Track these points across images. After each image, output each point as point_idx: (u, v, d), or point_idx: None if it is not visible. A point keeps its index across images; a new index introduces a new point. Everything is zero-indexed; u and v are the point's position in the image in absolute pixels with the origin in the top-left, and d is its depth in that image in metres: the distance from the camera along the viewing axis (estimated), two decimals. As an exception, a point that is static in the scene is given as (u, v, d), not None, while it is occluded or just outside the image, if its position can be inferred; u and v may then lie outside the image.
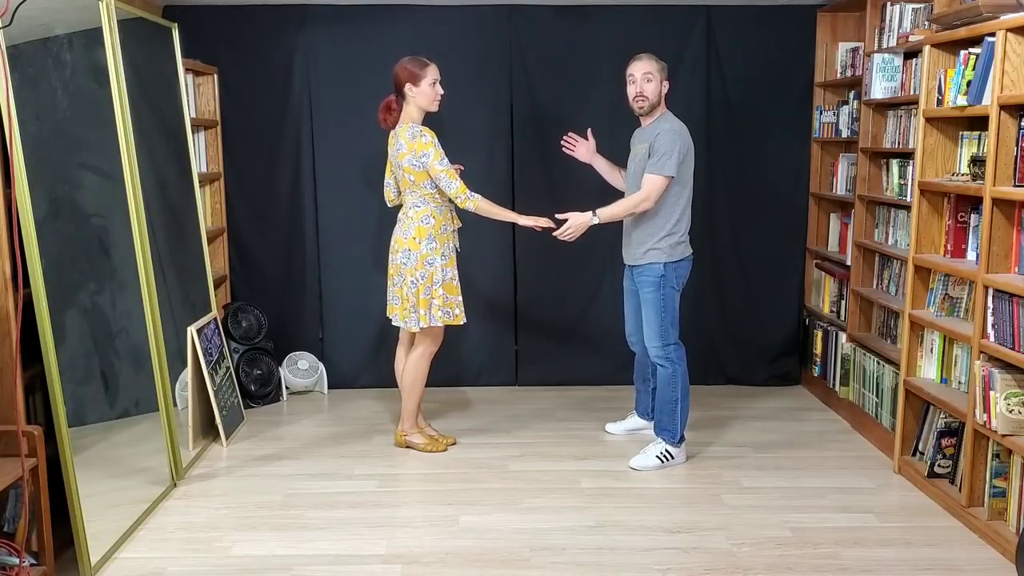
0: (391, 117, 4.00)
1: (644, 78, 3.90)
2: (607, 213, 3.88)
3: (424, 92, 3.91)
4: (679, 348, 4.00)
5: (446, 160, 3.90)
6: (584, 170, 5.00)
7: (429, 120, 4.09)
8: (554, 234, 3.92)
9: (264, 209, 5.14)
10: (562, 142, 4.34)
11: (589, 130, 4.31)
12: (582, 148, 4.32)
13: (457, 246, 4.10)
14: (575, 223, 3.86)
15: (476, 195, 3.93)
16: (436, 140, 3.90)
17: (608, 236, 5.05)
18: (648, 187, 3.83)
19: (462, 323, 4.09)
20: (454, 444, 4.20)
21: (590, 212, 3.86)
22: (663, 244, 3.92)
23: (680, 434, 4.04)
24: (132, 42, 3.78)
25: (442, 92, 3.96)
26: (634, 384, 4.46)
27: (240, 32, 4.94)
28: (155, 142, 4.06)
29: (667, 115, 3.98)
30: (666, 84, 3.98)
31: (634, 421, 4.47)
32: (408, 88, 3.92)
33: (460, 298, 4.05)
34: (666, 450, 4.02)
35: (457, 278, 4.05)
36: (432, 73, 3.92)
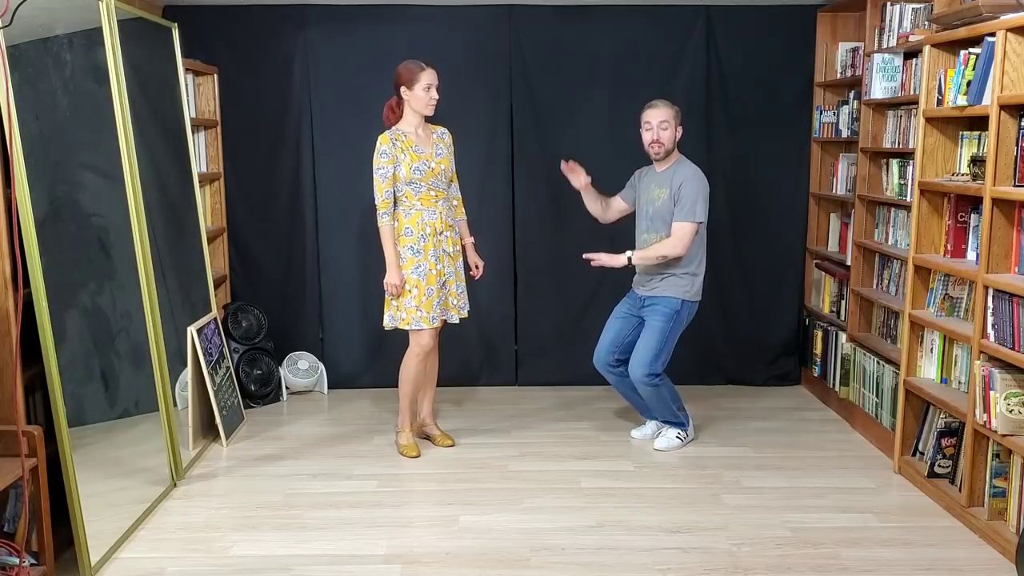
0: (393, 116, 4.02)
1: (660, 126, 4.03)
2: (639, 256, 3.98)
3: (417, 96, 3.92)
4: (664, 379, 4.13)
5: (381, 170, 3.91)
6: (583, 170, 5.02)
7: (428, 117, 4.10)
8: (586, 256, 4.03)
9: (264, 209, 5.14)
10: (563, 166, 4.23)
11: (567, 162, 4.22)
12: (579, 176, 4.21)
13: (446, 248, 4.04)
14: (608, 260, 3.99)
15: (385, 219, 3.94)
16: (384, 148, 3.91)
17: (608, 236, 5.06)
18: (681, 234, 3.97)
19: (408, 328, 4.01)
20: (417, 457, 4.14)
21: (624, 254, 3.96)
22: (685, 280, 4.06)
23: (687, 421, 4.29)
24: (132, 42, 3.77)
25: (436, 97, 3.95)
26: (626, 399, 4.41)
27: (240, 32, 4.94)
28: (155, 142, 4.06)
29: (683, 160, 4.12)
30: (680, 130, 4.09)
31: (655, 425, 4.41)
32: (404, 90, 3.94)
33: (409, 302, 3.97)
34: (678, 432, 4.26)
35: (410, 282, 3.96)
36: (427, 78, 3.91)
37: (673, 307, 4.05)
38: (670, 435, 4.23)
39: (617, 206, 4.32)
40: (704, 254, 4.12)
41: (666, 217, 4.01)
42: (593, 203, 4.32)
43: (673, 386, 4.19)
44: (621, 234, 4.38)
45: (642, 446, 4.29)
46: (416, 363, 4.10)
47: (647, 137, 4.07)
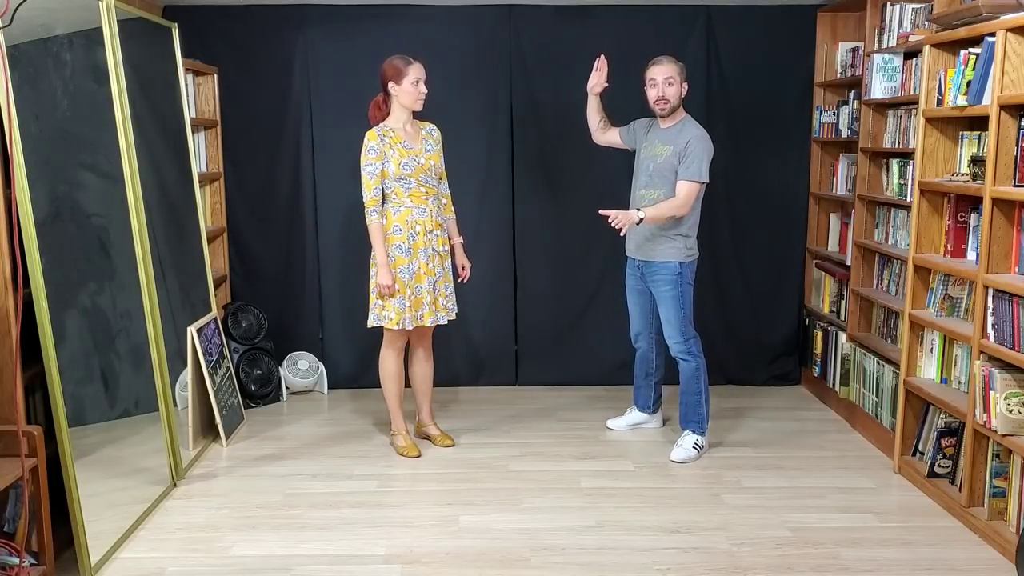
0: (379, 114, 4.01)
1: (666, 82, 3.97)
2: (651, 214, 3.89)
3: (406, 91, 3.91)
4: (698, 340, 4.11)
5: (369, 167, 3.88)
6: (583, 170, 5.03)
7: (427, 118, 4.11)
8: (603, 212, 3.86)
9: (264, 209, 5.14)
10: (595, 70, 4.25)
11: (603, 57, 4.24)
12: (601, 76, 4.25)
13: (436, 248, 4.03)
14: (624, 216, 3.83)
15: (375, 217, 3.90)
16: (372, 144, 3.89)
17: (608, 235, 5.07)
18: (687, 193, 3.91)
19: (396, 328, 3.97)
20: (418, 457, 4.14)
21: (637, 213, 3.84)
22: (679, 243, 4.02)
23: (706, 423, 4.17)
24: (132, 42, 3.78)
25: (425, 91, 3.94)
26: (634, 379, 4.49)
27: (240, 32, 4.94)
28: (155, 142, 4.06)
29: (689, 119, 4.06)
30: (685, 86, 4.05)
31: (634, 415, 4.51)
32: (391, 86, 3.92)
33: (402, 301, 3.95)
34: (696, 441, 4.12)
35: (399, 283, 3.93)
36: (415, 72, 3.91)
37: (673, 271, 4.02)
38: (686, 445, 4.10)
39: (612, 136, 4.29)
40: (697, 218, 4.06)
41: (667, 175, 3.96)
42: (594, 114, 4.29)
43: (707, 376, 4.15)
44: (620, 239, 4.38)
45: (642, 447, 4.29)
46: (394, 359, 4.10)
47: (652, 94, 4.00)
